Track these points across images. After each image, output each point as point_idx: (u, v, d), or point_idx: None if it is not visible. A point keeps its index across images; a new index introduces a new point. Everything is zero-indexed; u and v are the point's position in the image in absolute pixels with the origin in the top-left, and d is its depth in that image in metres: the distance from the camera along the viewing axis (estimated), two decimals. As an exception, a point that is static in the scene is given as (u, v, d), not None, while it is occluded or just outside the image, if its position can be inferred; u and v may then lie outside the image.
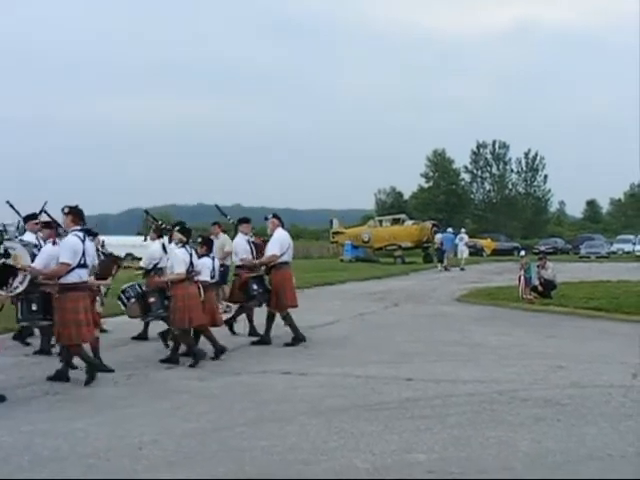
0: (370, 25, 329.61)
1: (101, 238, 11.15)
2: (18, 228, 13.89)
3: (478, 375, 9.85)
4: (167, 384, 9.54)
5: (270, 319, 12.96)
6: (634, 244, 55.21)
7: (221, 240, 16.66)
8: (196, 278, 11.23)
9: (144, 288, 12.35)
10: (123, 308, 12.58)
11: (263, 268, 13.17)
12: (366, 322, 16.17)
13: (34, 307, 9.83)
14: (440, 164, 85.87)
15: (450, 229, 42.64)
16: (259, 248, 13.62)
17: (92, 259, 9.97)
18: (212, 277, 11.69)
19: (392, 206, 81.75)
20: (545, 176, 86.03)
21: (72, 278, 9.36)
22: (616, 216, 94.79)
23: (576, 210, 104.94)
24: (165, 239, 12.48)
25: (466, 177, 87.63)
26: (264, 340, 12.82)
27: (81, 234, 9.65)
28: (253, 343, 12.78)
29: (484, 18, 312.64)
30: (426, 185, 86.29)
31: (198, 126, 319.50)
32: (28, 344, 12.27)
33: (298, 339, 12.74)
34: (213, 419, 7.68)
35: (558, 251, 59.28)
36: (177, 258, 11.09)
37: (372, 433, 7.06)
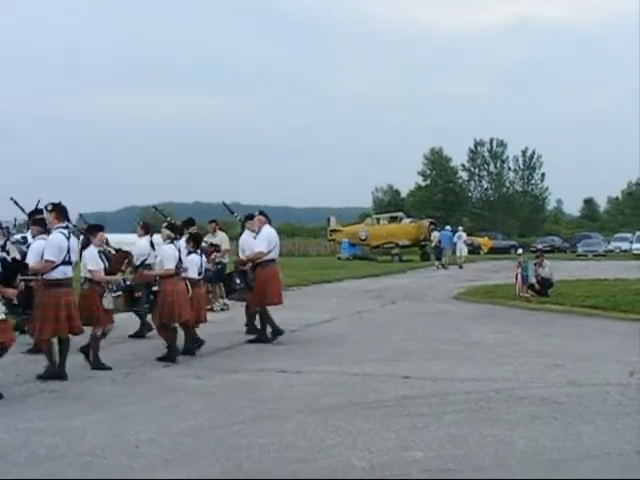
0: (367, 22, 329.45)
1: (105, 235, 11.16)
2: (15, 226, 13.88)
3: (475, 373, 9.86)
4: (164, 382, 9.54)
5: (263, 317, 12.94)
6: (631, 242, 55.12)
7: (218, 238, 16.66)
8: (184, 275, 11.24)
9: (129, 282, 12.37)
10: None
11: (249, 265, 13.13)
12: (363, 320, 16.18)
13: (15, 301, 9.83)
14: (437, 162, 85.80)
15: (448, 227, 42.67)
16: None
17: (76, 256, 10.06)
18: (199, 274, 11.69)
19: (389, 204, 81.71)
20: (542, 174, 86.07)
21: (56, 274, 9.48)
22: (613, 214, 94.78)
23: (573, 208, 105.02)
24: (155, 236, 12.53)
25: (463, 175, 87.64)
26: (261, 338, 12.81)
27: (66, 231, 9.73)
28: (250, 341, 12.77)
29: (481, 15, 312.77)
30: (423, 183, 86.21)
31: (196, 124, 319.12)
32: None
33: (263, 339, 12.64)
34: (210, 417, 7.67)
35: (555, 249, 59.29)
36: (166, 254, 11.12)
37: (369, 431, 7.06)
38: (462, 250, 39.68)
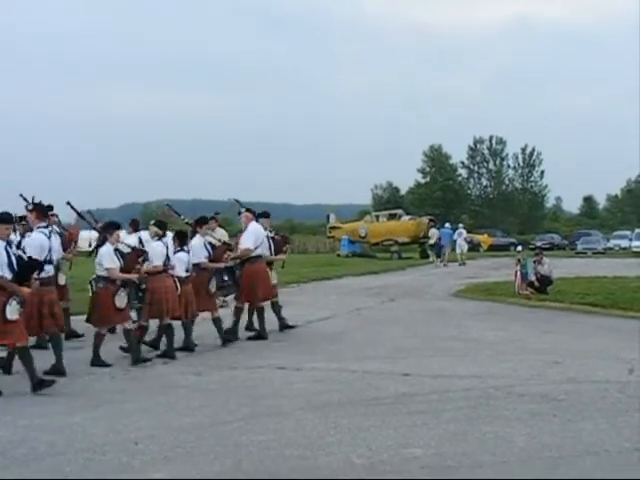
0: (367, 21, 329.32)
1: (121, 233, 11.22)
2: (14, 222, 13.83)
3: (475, 370, 9.86)
4: (164, 379, 9.54)
5: (260, 313, 12.93)
6: (630, 240, 55.14)
7: (218, 234, 16.64)
8: (170, 272, 11.24)
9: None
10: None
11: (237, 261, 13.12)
12: (363, 317, 16.18)
13: None
14: (437, 159, 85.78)
15: (447, 224, 42.63)
16: (278, 244, 13.60)
17: (58, 255, 10.12)
18: (187, 271, 11.68)
19: (389, 201, 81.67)
20: (542, 172, 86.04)
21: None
22: (613, 212, 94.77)
23: (573, 206, 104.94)
24: (142, 233, 12.54)
25: (463, 172, 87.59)
26: (260, 335, 12.81)
27: (46, 230, 9.76)
28: (249, 338, 12.77)
29: (482, 14, 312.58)
30: (423, 180, 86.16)
31: (195, 121, 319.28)
32: None
33: (232, 338, 12.52)
34: (209, 414, 7.68)
35: (554, 247, 59.23)
36: (154, 251, 11.14)
37: (369, 428, 7.06)
38: (462, 247, 39.67)
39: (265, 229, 13.46)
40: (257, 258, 12.90)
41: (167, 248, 11.27)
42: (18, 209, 13.03)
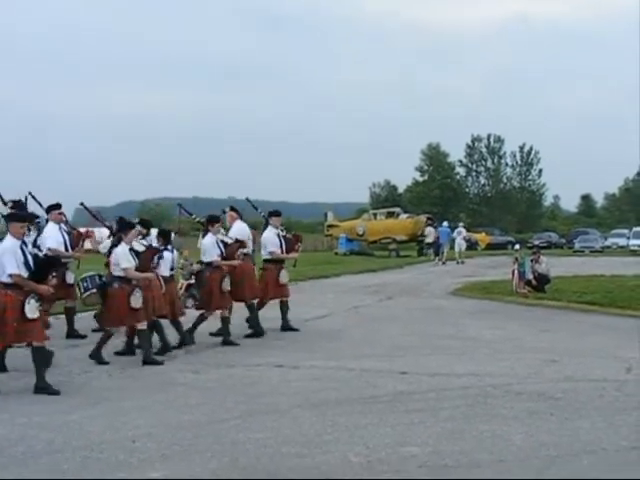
0: (367, 19, 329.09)
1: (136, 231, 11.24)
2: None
3: (472, 369, 9.86)
4: (161, 376, 9.54)
5: (252, 310, 12.93)
6: (628, 238, 55.15)
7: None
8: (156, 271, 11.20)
9: (104, 279, 12.35)
10: (78, 294, 12.71)
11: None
12: (360, 315, 16.18)
13: None
14: (435, 158, 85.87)
15: (445, 223, 42.66)
16: (290, 242, 13.59)
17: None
18: (172, 269, 11.66)
19: (387, 199, 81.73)
20: (540, 170, 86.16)
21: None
22: (610, 211, 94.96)
23: (570, 204, 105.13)
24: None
25: (461, 171, 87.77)
26: (257, 332, 12.80)
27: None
28: (247, 336, 12.76)
29: (481, 12, 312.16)
30: (421, 179, 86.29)
31: (193, 119, 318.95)
32: None
33: (259, 332, 12.65)
34: (207, 412, 7.68)
35: (552, 245, 59.24)
36: (141, 248, 11.10)
37: (366, 426, 7.06)
38: (461, 246, 39.69)
39: (276, 227, 13.45)
40: (243, 257, 12.86)
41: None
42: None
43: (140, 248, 10.78)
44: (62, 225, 12.55)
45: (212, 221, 12.32)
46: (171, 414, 7.58)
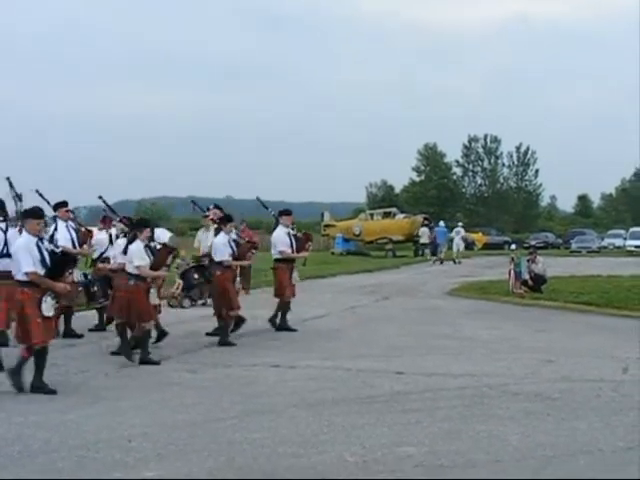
0: (366, 19, 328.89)
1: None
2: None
3: (469, 369, 9.87)
4: (158, 376, 9.53)
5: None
6: (625, 239, 55.21)
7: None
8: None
9: (89, 277, 12.35)
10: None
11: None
12: (357, 315, 16.18)
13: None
14: (432, 158, 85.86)
15: (442, 223, 42.68)
16: (300, 241, 13.56)
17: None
18: None
19: (383, 199, 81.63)
20: (536, 170, 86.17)
21: None
22: (607, 211, 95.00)
23: (567, 205, 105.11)
24: (112, 230, 12.53)
25: (457, 171, 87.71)
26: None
27: (3, 225, 9.76)
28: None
29: (481, 12, 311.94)
30: (417, 179, 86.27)
31: (193, 119, 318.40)
32: None
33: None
34: (203, 411, 7.67)
35: (549, 245, 59.28)
36: (119, 248, 11.10)
37: (362, 426, 7.06)
38: (459, 246, 39.72)
39: (287, 226, 13.44)
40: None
41: None
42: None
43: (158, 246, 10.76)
44: (70, 222, 12.54)
45: (225, 221, 12.27)
46: (168, 414, 7.57)
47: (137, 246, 10.31)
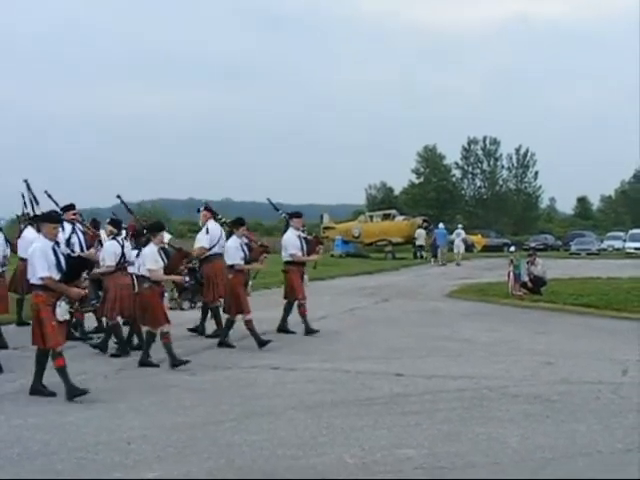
0: (366, 20, 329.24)
1: (167, 235, 11.20)
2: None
3: (468, 371, 9.87)
4: (157, 378, 9.53)
5: (217, 313, 12.86)
6: (624, 241, 55.24)
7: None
8: (130, 270, 11.16)
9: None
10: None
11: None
12: (356, 317, 16.18)
13: None
14: (431, 160, 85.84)
15: (441, 225, 42.71)
16: (310, 244, 13.54)
17: (3, 250, 10.14)
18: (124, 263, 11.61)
19: (382, 201, 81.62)
20: (536, 172, 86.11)
21: None
22: (607, 213, 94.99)
23: (567, 207, 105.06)
24: (101, 232, 12.53)
25: (457, 173, 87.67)
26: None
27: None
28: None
29: (481, 13, 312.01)
30: (417, 181, 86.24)
31: (193, 119, 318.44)
32: None
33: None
34: (202, 413, 7.67)
35: (548, 247, 59.29)
36: (107, 251, 11.11)
37: (362, 428, 7.06)
38: (459, 248, 39.73)
39: (297, 229, 13.42)
40: (214, 257, 12.76)
41: (122, 247, 11.22)
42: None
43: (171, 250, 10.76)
44: (77, 225, 12.53)
45: (238, 224, 12.24)
46: (167, 416, 7.57)
47: (150, 249, 10.28)
